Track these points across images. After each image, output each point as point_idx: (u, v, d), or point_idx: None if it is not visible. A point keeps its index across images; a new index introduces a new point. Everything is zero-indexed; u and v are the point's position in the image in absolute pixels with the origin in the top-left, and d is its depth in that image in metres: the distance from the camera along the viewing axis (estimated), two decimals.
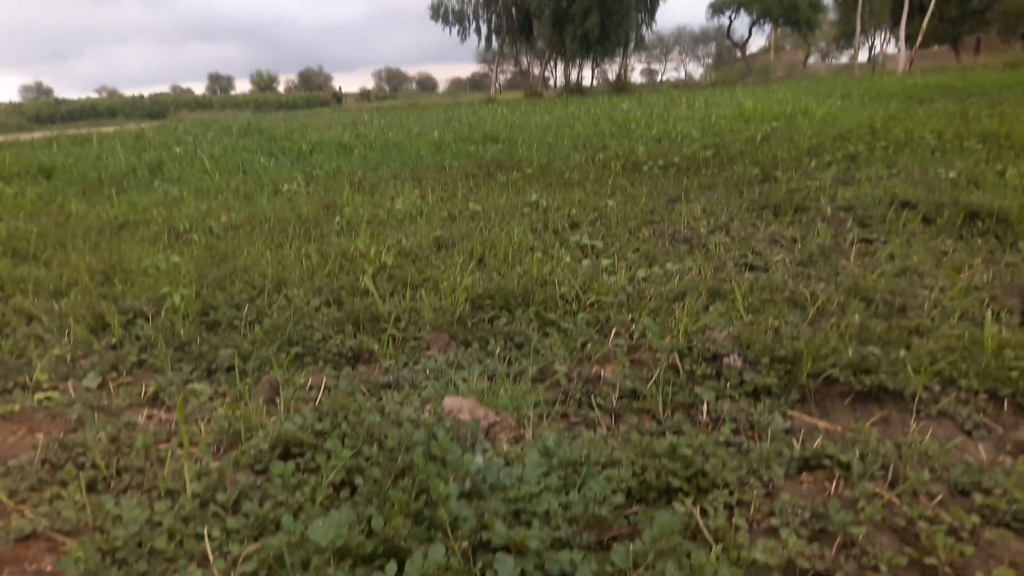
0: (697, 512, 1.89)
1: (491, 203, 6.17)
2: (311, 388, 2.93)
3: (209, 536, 1.94)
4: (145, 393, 3.02)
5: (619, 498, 1.95)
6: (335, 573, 1.63)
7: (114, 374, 3.25)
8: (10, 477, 2.37)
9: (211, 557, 1.86)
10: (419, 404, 2.56)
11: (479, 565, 1.62)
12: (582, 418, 2.56)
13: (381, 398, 2.70)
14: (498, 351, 3.13)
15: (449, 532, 1.68)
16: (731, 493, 2.02)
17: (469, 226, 5.32)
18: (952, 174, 5.82)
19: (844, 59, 54.78)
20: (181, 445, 2.48)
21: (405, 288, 3.93)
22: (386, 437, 2.17)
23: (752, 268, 4.04)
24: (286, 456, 2.29)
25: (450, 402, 2.35)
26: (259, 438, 2.39)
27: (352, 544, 1.68)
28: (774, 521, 1.90)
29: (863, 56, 49.08)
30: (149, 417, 2.84)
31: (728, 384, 2.65)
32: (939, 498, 1.95)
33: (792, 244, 4.49)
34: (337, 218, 5.88)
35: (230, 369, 3.19)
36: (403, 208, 6.13)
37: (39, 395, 3.01)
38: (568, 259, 4.30)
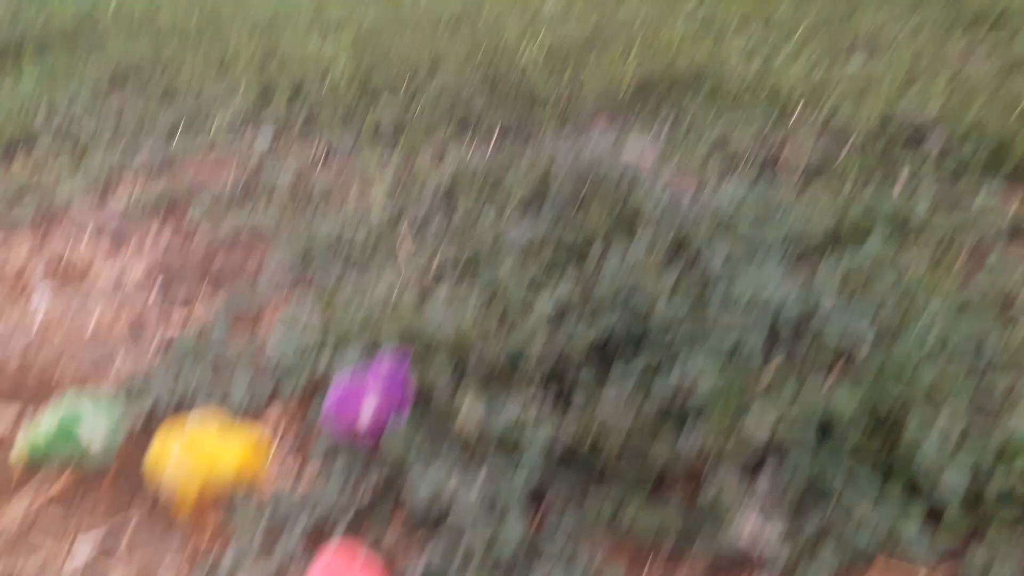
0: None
1: (643, 10, 5.80)
2: (476, 153, 2.93)
3: (401, 244, 2.02)
4: (317, 150, 3.11)
5: (817, 236, 1.87)
6: (534, 261, 1.66)
7: (285, 135, 3.36)
8: (210, 197, 2.55)
9: (406, 257, 1.93)
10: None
11: (680, 264, 1.60)
12: (766, 185, 2.45)
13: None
14: (667, 130, 3.01)
15: (648, 235, 1.65)
16: (937, 245, 1.90)
17: (623, 27, 5.05)
18: None
19: None
20: (361, 189, 2.57)
21: (563, 73, 3.81)
22: (568, 169, 2.14)
23: (947, 68, 3.65)
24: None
25: (631, 144, 2.28)
26: (437, 179, 2.43)
27: (550, 239, 1.70)
28: (985, 270, 1.78)
29: None
30: (324, 169, 2.93)
31: (928, 161, 2.44)
32: None
33: (990, 53, 4.01)
34: (482, 18, 5.71)
35: (396, 134, 3.24)
36: (550, 11, 5.88)
37: (218, 150, 3.17)
38: (736, 58, 4.02)
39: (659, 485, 1.34)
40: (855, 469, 1.25)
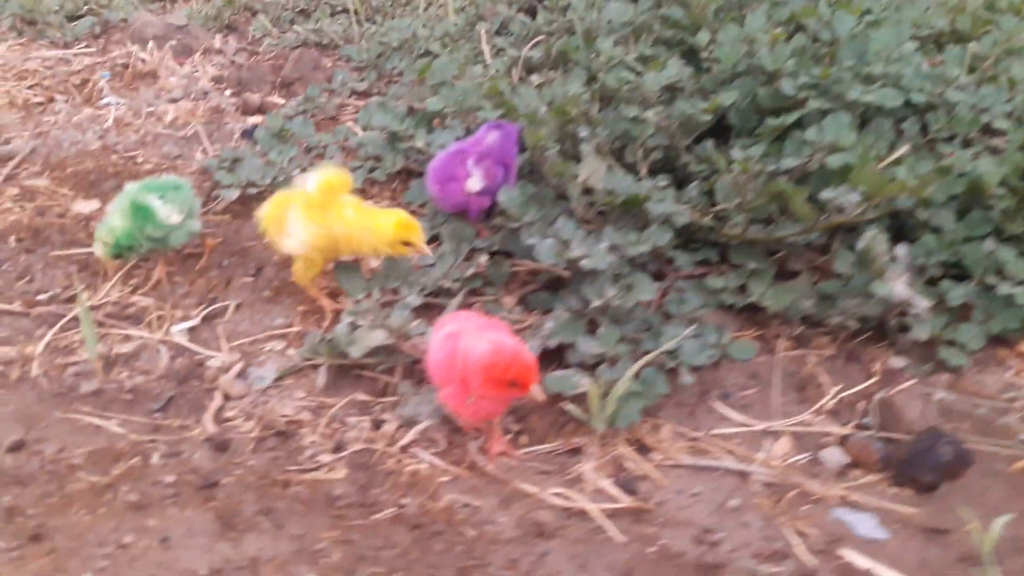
0: None
1: None
2: None
3: (483, 42, 1.90)
4: None
5: (936, 28, 1.73)
6: (635, 45, 1.55)
7: None
8: (272, 11, 2.44)
9: (490, 52, 1.83)
10: None
11: (803, 39, 1.48)
12: None
13: None
14: None
15: (762, 13, 1.52)
16: None
17: None
18: None
19: None
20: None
21: None
22: None
23: None
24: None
25: None
26: None
27: (651, 22, 1.59)
28: None
29: None
30: None
31: None
32: None
33: None
34: None
35: None
36: None
37: None
38: None
39: (782, 269, 1.29)
40: (999, 247, 1.18)
